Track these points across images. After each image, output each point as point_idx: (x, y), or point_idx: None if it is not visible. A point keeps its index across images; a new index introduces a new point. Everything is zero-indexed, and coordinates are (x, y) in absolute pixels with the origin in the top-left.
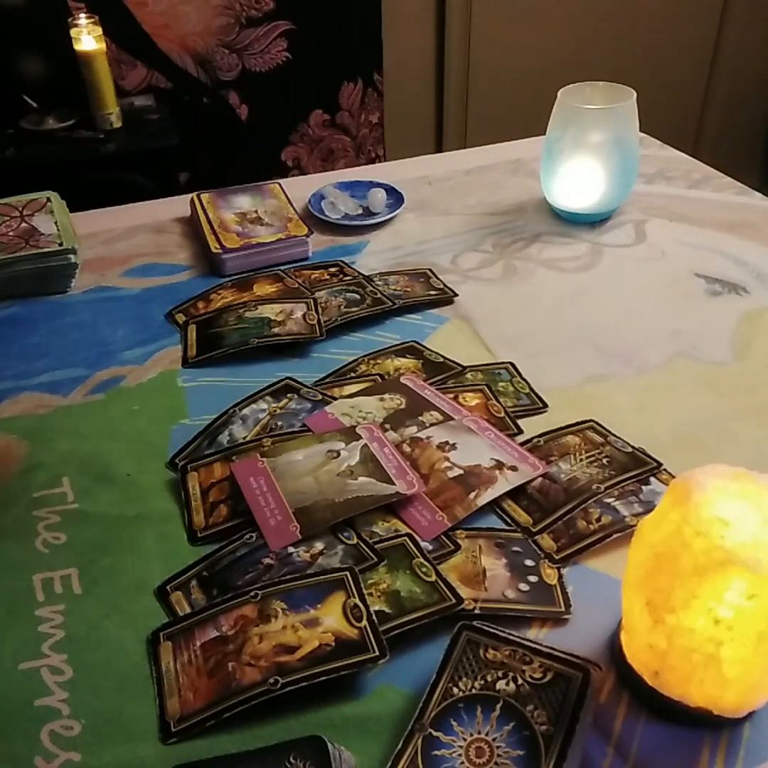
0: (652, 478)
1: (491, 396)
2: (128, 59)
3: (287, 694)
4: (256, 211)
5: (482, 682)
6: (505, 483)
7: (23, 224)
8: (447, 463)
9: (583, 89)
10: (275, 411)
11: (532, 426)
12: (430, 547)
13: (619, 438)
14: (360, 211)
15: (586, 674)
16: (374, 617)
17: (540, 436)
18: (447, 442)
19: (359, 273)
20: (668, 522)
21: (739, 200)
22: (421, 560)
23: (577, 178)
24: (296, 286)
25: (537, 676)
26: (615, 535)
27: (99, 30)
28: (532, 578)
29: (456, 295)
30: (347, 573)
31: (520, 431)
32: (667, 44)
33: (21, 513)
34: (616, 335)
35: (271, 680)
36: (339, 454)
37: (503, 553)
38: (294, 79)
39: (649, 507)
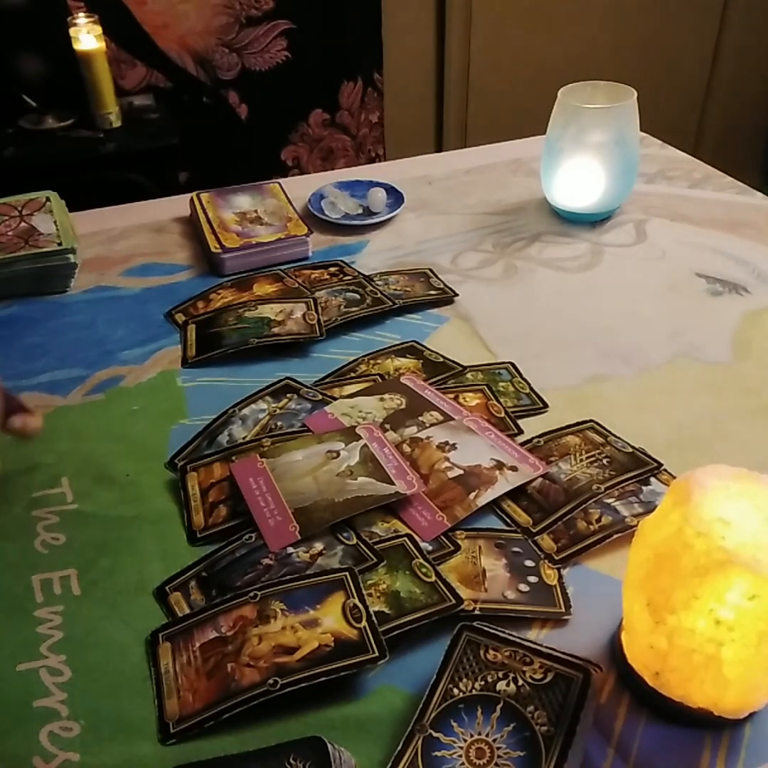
0: (652, 479)
1: (491, 396)
2: (128, 58)
3: (287, 695)
4: (255, 211)
5: (482, 682)
6: (505, 483)
7: (22, 224)
8: (447, 464)
9: (583, 89)
10: (275, 411)
11: (532, 426)
12: (430, 548)
13: (619, 438)
14: (360, 211)
15: (586, 675)
16: (374, 618)
17: (540, 436)
18: (447, 442)
19: (359, 273)
20: (669, 522)
21: (740, 200)
22: (421, 561)
23: (578, 178)
24: (296, 285)
25: (537, 677)
26: (615, 536)
27: (98, 29)
28: (532, 579)
29: (456, 295)
30: (347, 573)
31: (520, 431)
32: (667, 44)
33: (20, 513)
34: (617, 335)
35: (271, 681)
36: (338, 454)
37: (503, 553)
38: (294, 78)
39: (649, 507)
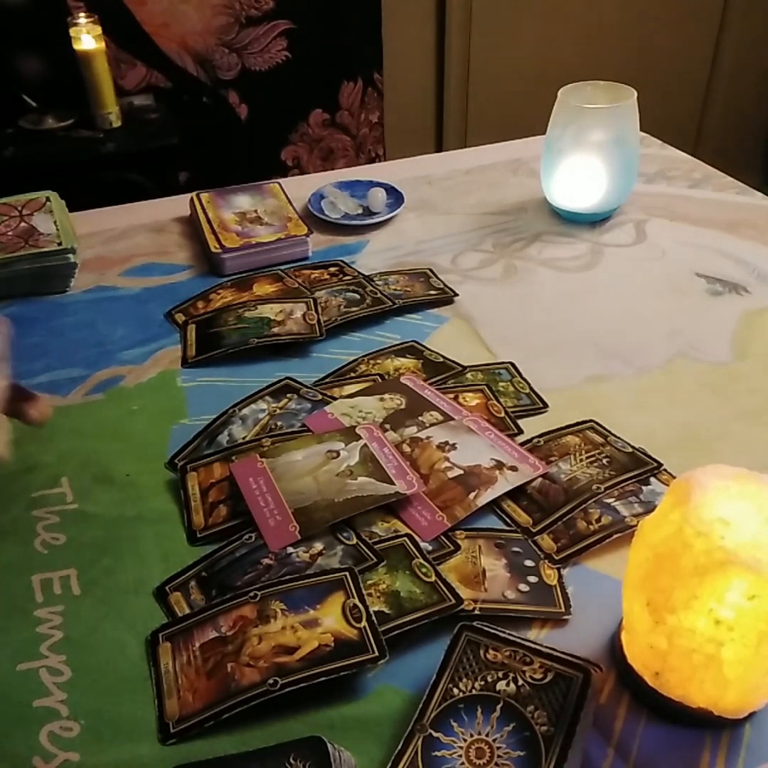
0: (652, 479)
1: (491, 396)
2: (128, 58)
3: (287, 695)
4: (255, 211)
5: (482, 682)
6: (505, 483)
7: (22, 224)
8: (447, 463)
9: (583, 88)
10: (275, 411)
11: (532, 426)
12: (430, 548)
13: (619, 438)
14: (360, 211)
15: (586, 675)
16: (374, 618)
17: (540, 436)
18: (447, 442)
19: (359, 273)
20: (669, 522)
21: (740, 200)
22: (421, 561)
23: (578, 178)
24: (296, 285)
25: (537, 677)
26: (615, 536)
27: (98, 29)
28: (532, 579)
29: (456, 295)
30: (347, 573)
31: (520, 431)
32: (667, 44)
33: (20, 513)
34: (616, 335)
35: (271, 681)
36: (338, 454)
37: (503, 553)
38: (294, 78)
39: (649, 507)
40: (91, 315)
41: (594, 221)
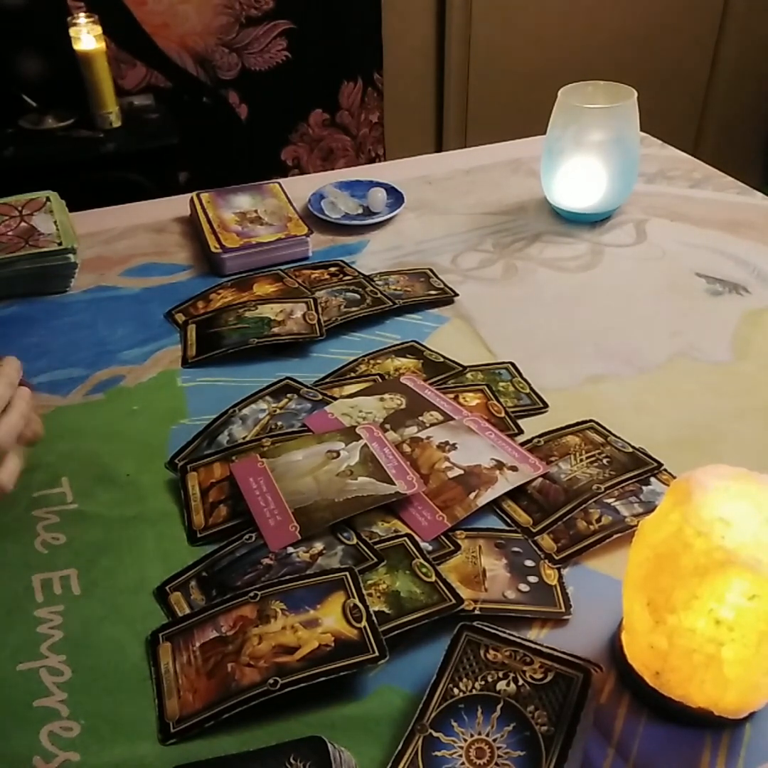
0: (652, 479)
1: (491, 396)
2: (128, 58)
3: (287, 695)
4: (255, 211)
5: (483, 682)
6: (505, 483)
7: (22, 224)
8: (447, 463)
9: (583, 88)
10: (275, 411)
11: (532, 426)
12: (430, 548)
13: (619, 438)
14: (360, 211)
15: (586, 675)
16: (374, 618)
17: (540, 436)
18: (447, 442)
19: (359, 273)
20: (669, 522)
21: (740, 200)
22: (421, 561)
23: (578, 178)
24: (296, 285)
25: (537, 677)
26: (615, 536)
27: (98, 29)
28: (532, 579)
29: (456, 295)
30: (347, 573)
31: (521, 431)
32: (667, 44)
33: (20, 513)
34: (616, 335)
35: (271, 681)
36: (339, 454)
37: (503, 553)
38: (294, 78)
39: (649, 507)
40: (91, 315)
41: (594, 221)
